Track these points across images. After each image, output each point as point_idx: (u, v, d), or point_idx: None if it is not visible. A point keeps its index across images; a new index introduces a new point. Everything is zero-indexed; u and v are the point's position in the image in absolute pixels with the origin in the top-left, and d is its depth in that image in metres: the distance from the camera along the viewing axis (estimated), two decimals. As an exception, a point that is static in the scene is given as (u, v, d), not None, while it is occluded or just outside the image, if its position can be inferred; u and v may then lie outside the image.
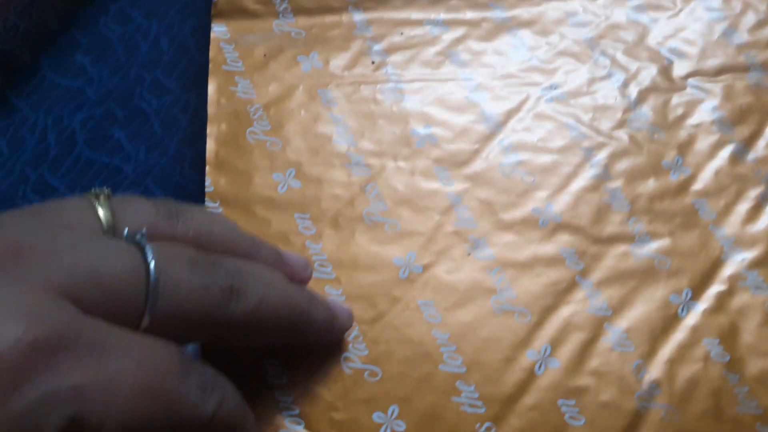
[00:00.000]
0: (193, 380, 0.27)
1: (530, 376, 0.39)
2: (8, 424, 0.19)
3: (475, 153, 0.45)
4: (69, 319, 0.23)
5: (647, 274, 0.42)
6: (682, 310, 0.41)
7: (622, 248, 0.42)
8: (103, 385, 0.23)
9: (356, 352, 0.39)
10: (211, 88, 0.46)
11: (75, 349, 0.22)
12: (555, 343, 0.40)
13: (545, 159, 0.45)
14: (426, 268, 0.41)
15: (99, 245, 0.26)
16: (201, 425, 0.27)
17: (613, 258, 0.42)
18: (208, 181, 0.43)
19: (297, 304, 0.34)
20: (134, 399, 0.24)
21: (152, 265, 0.26)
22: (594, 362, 0.39)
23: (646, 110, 0.47)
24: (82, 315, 0.23)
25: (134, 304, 0.26)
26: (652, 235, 0.43)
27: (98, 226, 0.28)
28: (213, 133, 0.45)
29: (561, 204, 0.44)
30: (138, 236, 0.28)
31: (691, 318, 0.41)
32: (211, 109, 0.45)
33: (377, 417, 0.37)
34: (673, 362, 0.39)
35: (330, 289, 0.41)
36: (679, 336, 0.40)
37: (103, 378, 0.22)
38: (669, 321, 0.40)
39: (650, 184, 0.44)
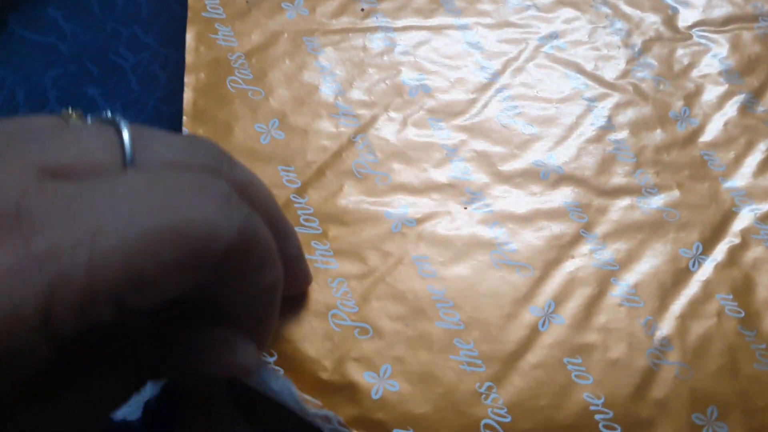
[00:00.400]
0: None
1: (534, 332, 0.36)
2: None
3: (471, 103, 0.42)
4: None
5: (655, 227, 0.39)
6: (693, 264, 0.38)
7: (628, 201, 0.40)
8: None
9: (345, 308, 0.36)
10: (190, 35, 0.43)
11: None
12: (559, 299, 0.37)
13: (545, 109, 0.42)
14: (420, 221, 0.39)
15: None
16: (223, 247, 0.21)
17: (618, 211, 0.40)
18: (185, 132, 0.40)
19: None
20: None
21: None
22: (601, 318, 0.36)
23: (651, 60, 0.44)
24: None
25: None
26: (660, 188, 0.40)
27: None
28: (191, 82, 0.42)
29: (563, 155, 0.41)
30: None
31: (703, 272, 0.38)
32: (189, 57, 0.42)
33: (368, 377, 0.34)
34: (685, 318, 0.37)
35: (316, 244, 0.38)
36: (690, 291, 0.37)
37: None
38: (679, 275, 0.38)
39: (657, 135, 0.42)
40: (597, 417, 0.34)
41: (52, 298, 0.17)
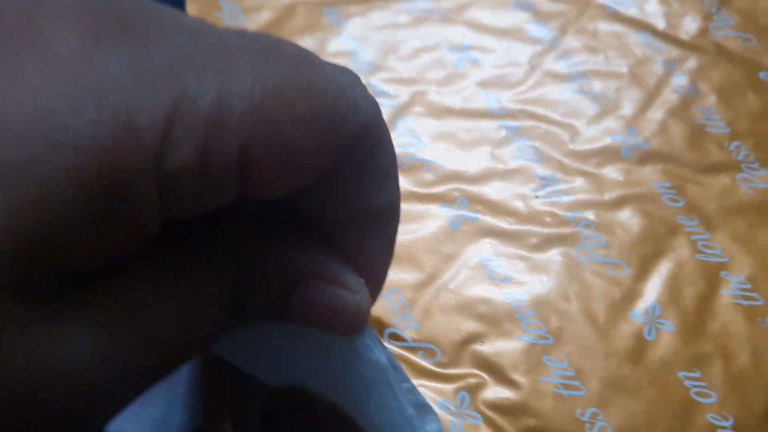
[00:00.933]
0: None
1: (639, 343, 0.29)
2: None
3: (529, 72, 0.36)
4: None
5: (764, 208, 0.33)
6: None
7: (727, 179, 0.33)
8: None
9: (404, 326, 0.29)
10: (190, 13, 0.36)
11: None
12: (664, 301, 0.30)
13: (616, 77, 0.36)
14: (482, 215, 0.32)
15: None
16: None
17: (718, 192, 0.33)
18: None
19: None
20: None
21: None
22: (716, 322, 0.30)
23: (730, 15, 0.38)
24: None
25: None
26: (763, 162, 0.34)
27: None
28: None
29: (644, 129, 0.34)
30: None
31: (830, 259, 0.31)
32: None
33: (443, 408, 0.27)
34: (819, 315, 0.30)
35: (361, 249, 0.31)
36: (819, 282, 0.31)
37: None
38: (803, 264, 0.31)
39: (750, 100, 0.35)
40: (730, 444, 0.27)
41: (173, 120, 0.14)
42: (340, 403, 0.22)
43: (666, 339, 0.29)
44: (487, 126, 0.34)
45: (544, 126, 0.34)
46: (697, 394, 0.28)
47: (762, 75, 0.36)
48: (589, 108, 0.35)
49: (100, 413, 0.16)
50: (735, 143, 0.34)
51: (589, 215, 0.32)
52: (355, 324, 0.19)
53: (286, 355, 0.22)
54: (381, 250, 0.20)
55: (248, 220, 0.19)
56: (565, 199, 0.32)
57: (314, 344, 0.21)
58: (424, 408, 0.23)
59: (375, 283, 0.20)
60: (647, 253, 0.31)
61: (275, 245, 0.19)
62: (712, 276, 0.31)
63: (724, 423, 0.27)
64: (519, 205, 0.32)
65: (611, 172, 0.33)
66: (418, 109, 0.34)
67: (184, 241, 0.17)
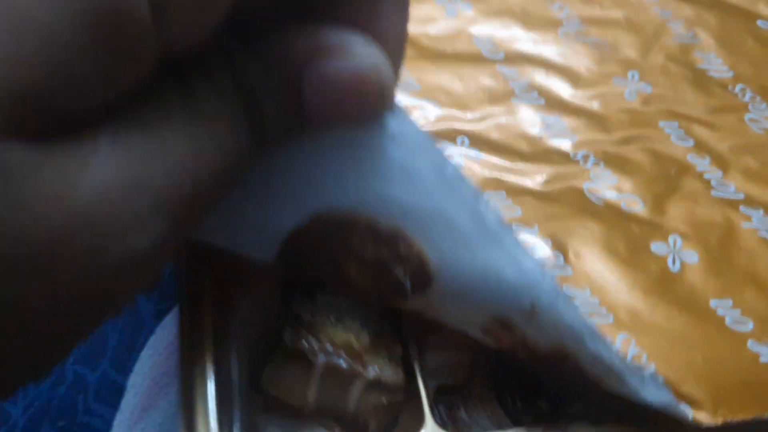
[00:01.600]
0: None
1: (664, 274, 0.27)
2: None
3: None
4: None
5: (775, 145, 0.31)
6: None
7: (734, 119, 0.32)
8: None
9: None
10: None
11: None
12: (685, 233, 0.28)
13: (613, 24, 0.34)
14: (486, 153, 0.30)
15: None
16: None
17: (727, 131, 0.31)
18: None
19: None
20: None
21: None
22: (742, 255, 0.28)
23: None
24: None
25: None
26: (769, 102, 0.32)
27: None
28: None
29: (646, 72, 0.33)
30: None
31: None
32: None
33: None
34: None
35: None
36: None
37: None
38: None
39: (750, 46, 0.34)
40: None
41: None
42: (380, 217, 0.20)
43: (691, 270, 0.27)
44: (486, 75, 0.32)
45: (543, 71, 0.33)
46: (734, 321, 0.26)
47: (760, 23, 0.35)
48: (589, 54, 0.33)
49: (141, 252, 0.15)
50: (740, 86, 0.33)
51: (598, 154, 0.30)
52: (380, 98, 0.17)
53: (310, 188, 0.20)
54: (394, 9, 0.17)
55: (243, 35, 0.17)
56: (571, 138, 0.30)
57: (344, 156, 0.19)
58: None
59: (394, 50, 0.17)
60: (660, 190, 0.29)
61: (274, 40, 0.16)
62: (731, 210, 0.29)
63: (765, 349, 0.25)
64: (523, 145, 0.30)
65: (616, 113, 0.31)
66: (409, 53, 0.32)
67: (185, 78, 0.16)
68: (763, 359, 0.25)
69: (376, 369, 0.23)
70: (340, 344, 0.23)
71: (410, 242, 0.21)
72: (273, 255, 0.21)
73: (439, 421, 0.26)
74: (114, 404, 0.32)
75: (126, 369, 0.32)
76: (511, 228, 0.22)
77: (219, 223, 0.21)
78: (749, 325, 0.26)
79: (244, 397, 0.26)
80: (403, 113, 0.19)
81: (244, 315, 0.27)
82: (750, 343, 0.25)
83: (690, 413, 0.23)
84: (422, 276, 0.21)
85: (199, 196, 0.15)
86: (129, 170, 0.14)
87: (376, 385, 0.23)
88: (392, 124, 0.19)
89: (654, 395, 0.23)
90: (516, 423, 0.26)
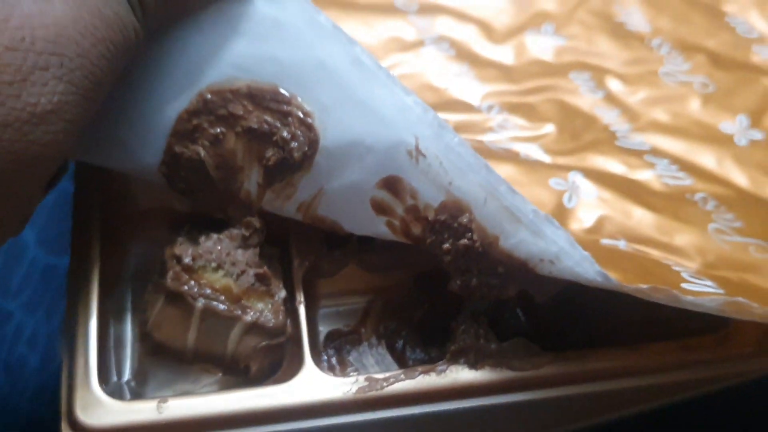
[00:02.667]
0: None
1: (559, 209, 0.27)
2: None
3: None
4: None
5: (686, 99, 0.31)
6: (740, 139, 0.30)
7: (648, 74, 0.32)
8: None
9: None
10: None
11: None
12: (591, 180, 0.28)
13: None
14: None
15: None
16: None
17: (640, 85, 0.31)
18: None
19: None
20: None
21: None
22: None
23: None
24: None
25: None
26: (686, 56, 0.32)
27: None
28: None
29: (563, 26, 0.33)
30: None
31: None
32: None
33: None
34: None
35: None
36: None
37: None
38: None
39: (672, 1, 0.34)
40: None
41: None
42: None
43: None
44: (396, 25, 0.32)
45: (457, 22, 0.32)
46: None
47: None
48: (505, 6, 0.33)
49: None
50: (657, 40, 0.33)
51: (504, 105, 0.30)
52: None
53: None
54: None
55: None
56: (479, 89, 0.30)
57: (220, 28, 0.21)
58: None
59: None
60: (565, 140, 0.29)
61: None
62: (635, 159, 0.29)
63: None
64: (428, 95, 0.30)
65: (527, 65, 0.31)
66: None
67: None
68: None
69: (256, 313, 0.24)
70: (219, 289, 0.24)
71: (291, 99, 0.22)
72: (159, 155, 0.23)
73: (326, 363, 0.26)
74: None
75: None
76: (387, 70, 0.23)
77: (107, 133, 0.22)
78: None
79: (135, 343, 0.26)
80: None
81: (135, 260, 0.27)
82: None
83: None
84: (307, 134, 0.22)
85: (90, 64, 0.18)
86: None
87: (254, 328, 0.24)
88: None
89: (568, 250, 0.23)
90: (403, 365, 0.26)
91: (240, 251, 0.24)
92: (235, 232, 0.24)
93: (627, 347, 0.25)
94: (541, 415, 0.26)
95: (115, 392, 0.24)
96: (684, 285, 0.24)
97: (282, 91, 0.22)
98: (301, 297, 0.25)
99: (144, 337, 0.25)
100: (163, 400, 0.22)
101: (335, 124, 0.23)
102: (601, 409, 0.27)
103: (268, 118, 0.23)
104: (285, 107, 0.23)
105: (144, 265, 0.27)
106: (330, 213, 0.24)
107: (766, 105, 0.31)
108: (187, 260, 0.24)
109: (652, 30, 0.33)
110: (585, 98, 0.31)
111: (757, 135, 0.30)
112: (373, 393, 0.23)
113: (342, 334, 0.27)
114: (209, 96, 0.22)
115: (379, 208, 0.24)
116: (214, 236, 0.24)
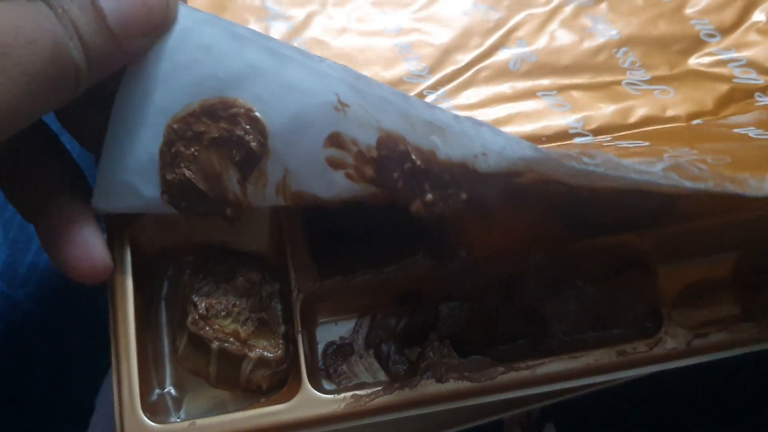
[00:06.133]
0: None
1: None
2: None
3: (421, -11, 0.36)
4: None
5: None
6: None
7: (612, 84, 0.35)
8: None
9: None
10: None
11: None
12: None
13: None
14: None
15: None
16: None
17: (604, 96, 0.34)
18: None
19: None
20: None
21: None
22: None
23: None
24: None
25: None
26: (648, 68, 0.35)
27: None
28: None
29: (533, 40, 0.35)
30: None
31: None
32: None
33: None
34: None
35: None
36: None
37: None
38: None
39: (638, 6, 0.36)
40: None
41: None
42: None
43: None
44: (382, 43, 0.35)
45: (435, 42, 0.35)
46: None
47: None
48: (481, 22, 0.35)
49: None
50: (623, 49, 0.35)
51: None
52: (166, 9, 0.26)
53: None
54: None
55: None
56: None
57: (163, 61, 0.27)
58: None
59: None
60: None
61: None
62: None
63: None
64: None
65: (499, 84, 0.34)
66: (313, 29, 0.35)
67: None
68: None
69: (259, 350, 0.30)
70: (229, 333, 0.30)
71: (235, 103, 0.27)
72: (158, 187, 0.28)
73: (323, 373, 0.32)
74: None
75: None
76: (300, 48, 0.28)
77: (117, 180, 0.28)
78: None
79: (173, 361, 0.32)
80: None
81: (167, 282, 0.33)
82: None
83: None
84: (257, 126, 0.27)
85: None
86: None
87: (260, 361, 0.30)
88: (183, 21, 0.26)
89: (492, 139, 0.25)
90: (387, 371, 0.32)
91: (244, 300, 0.30)
92: (239, 285, 0.30)
93: (568, 356, 0.31)
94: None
95: (159, 403, 0.31)
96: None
97: (227, 98, 0.27)
98: (299, 326, 0.31)
99: (178, 362, 0.31)
100: (192, 423, 0.29)
101: (274, 110, 0.27)
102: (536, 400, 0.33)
103: (224, 125, 0.28)
104: (233, 110, 0.27)
105: (173, 287, 0.33)
106: (302, 186, 0.29)
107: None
108: (202, 310, 0.29)
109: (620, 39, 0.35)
110: (556, 116, 0.34)
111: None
112: (359, 407, 0.29)
113: (337, 346, 0.33)
114: (175, 126, 0.28)
115: (335, 163, 0.28)
116: (223, 289, 0.30)
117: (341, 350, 0.32)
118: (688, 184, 0.24)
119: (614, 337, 0.32)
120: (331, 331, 0.33)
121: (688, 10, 0.36)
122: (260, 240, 0.33)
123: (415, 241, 0.32)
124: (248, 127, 0.27)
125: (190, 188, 0.28)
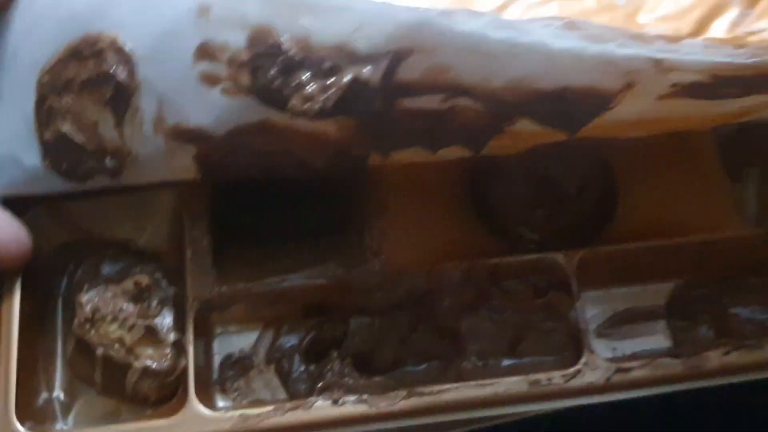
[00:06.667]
0: None
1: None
2: None
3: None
4: None
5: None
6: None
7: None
8: None
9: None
10: None
11: None
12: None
13: None
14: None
15: None
16: None
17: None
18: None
19: None
20: None
21: None
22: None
23: None
24: None
25: None
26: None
27: None
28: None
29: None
30: None
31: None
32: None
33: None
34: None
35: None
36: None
37: None
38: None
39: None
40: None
41: None
42: None
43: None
44: None
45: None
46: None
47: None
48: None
49: None
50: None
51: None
52: None
53: None
54: None
55: None
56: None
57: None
58: None
59: None
60: None
61: None
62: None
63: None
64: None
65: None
66: None
67: None
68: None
69: (145, 360, 0.28)
70: (114, 339, 0.28)
71: (99, 37, 0.25)
72: (38, 151, 0.27)
73: (219, 387, 0.31)
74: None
75: None
76: None
77: None
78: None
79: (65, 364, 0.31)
80: None
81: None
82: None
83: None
84: (123, 56, 0.26)
85: None
86: None
87: (145, 372, 0.28)
88: None
89: (367, 7, 0.23)
90: (287, 389, 0.31)
91: (131, 305, 0.28)
92: (128, 288, 0.28)
93: (476, 383, 0.29)
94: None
95: (45, 408, 0.29)
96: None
97: (89, 35, 0.26)
98: (191, 336, 0.29)
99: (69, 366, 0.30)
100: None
101: (138, 33, 0.25)
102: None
103: (91, 65, 0.26)
104: (98, 46, 0.26)
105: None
106: (180, 116, 0.26)
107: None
108: (87, 313, 0.28)
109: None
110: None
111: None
112: (246, 427, 0.28)
113: (235, 359, 0.31)
114: (46, 79, 0.26)
115: (209, 78, 0.25)
116: (111, 291, 0.28)
117: (239, 364, 0.31)
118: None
119: (530, 366, 0.30)
120: (231, 343, 0.31)
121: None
122: (159, 238, 0.31)
123: (325, 248, 0.31)
124: (115, 57, 0.25)
125: (68, 144, 0.27)
